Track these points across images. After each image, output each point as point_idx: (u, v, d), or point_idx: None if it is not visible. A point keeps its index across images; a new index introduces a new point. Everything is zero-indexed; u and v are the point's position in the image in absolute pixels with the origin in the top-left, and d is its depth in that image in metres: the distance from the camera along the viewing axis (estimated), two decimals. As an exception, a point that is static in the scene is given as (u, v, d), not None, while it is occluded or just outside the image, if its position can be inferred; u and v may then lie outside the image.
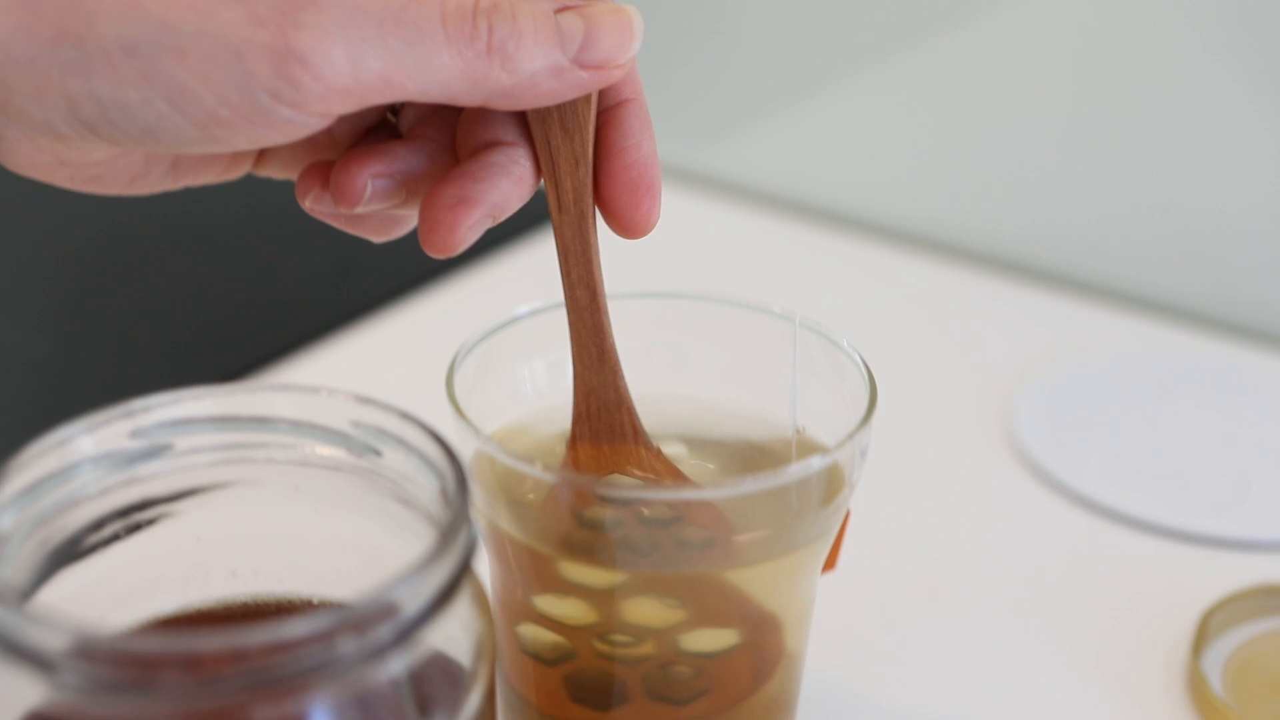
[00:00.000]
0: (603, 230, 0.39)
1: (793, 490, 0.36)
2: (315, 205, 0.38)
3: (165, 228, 0.80)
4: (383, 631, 0.30)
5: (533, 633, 0.39)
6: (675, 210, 0.86)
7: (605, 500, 0.36)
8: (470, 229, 0.37)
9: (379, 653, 0.30)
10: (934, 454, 0.65)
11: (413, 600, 0.30)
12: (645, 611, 0.38)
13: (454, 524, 0.32)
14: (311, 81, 0.32)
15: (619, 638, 0.38)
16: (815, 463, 0.36)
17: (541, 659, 0.40)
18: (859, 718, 0.50)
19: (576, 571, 0.38)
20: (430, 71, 0.34)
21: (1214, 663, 0.51)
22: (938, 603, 0.55)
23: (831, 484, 0.38)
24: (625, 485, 0.39)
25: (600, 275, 0.39)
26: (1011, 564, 0.58)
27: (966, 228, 0.83)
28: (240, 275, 0.80)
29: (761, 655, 0.40)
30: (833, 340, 0.41)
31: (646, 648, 0.38)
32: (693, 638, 0.38)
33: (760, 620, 0.39)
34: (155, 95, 0.32)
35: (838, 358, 0.41)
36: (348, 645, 0.29)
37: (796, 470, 0.36)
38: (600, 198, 0.38)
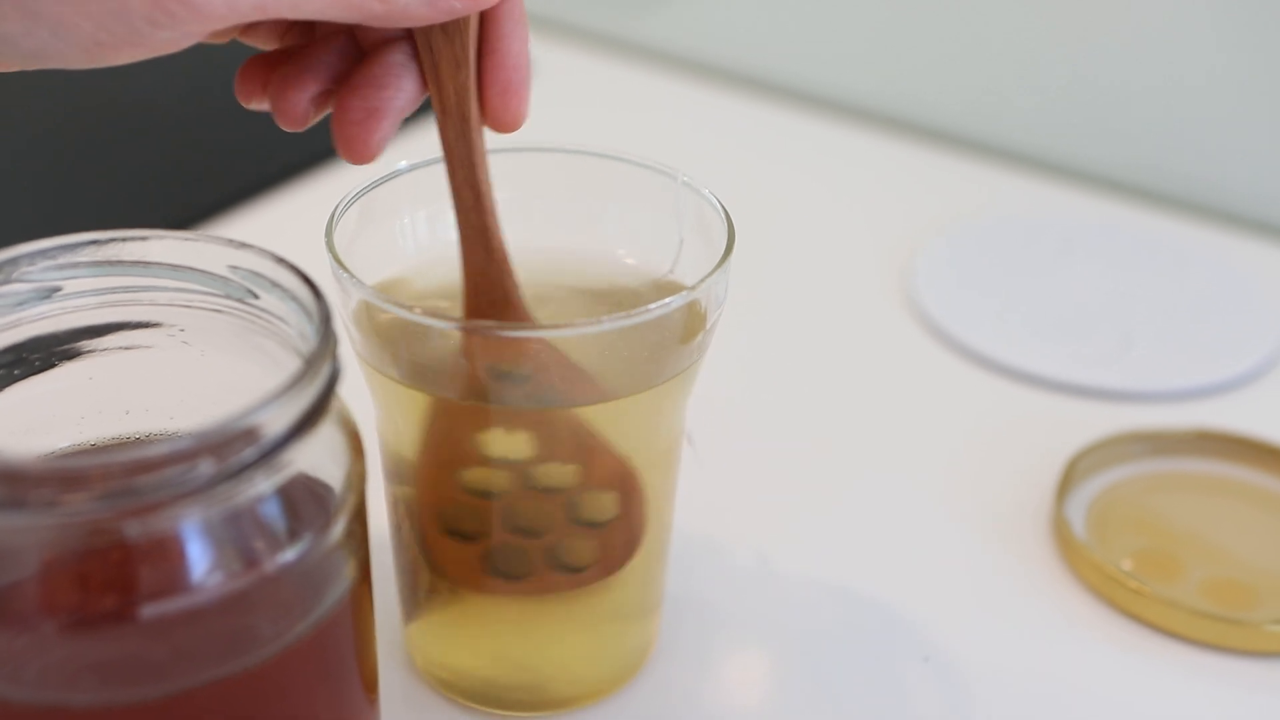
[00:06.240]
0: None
1: (652, 326, 0.39)
2: (260, 107, 0.40)
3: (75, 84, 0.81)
4: (246, 453, 0.32)
5: (452, 510, 0.42)
6: (603, 75, 0.87)
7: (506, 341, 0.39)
8: (382, 138, 0.38)
9: (241, 473, 0.32)
10: (833, 311, 0.68)
11: (274, 424, 0.32)
12: (552, 472, 0.41)
13: (316, 355, 0.34)
14: (186, 13, 0.34)
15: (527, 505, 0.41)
16: (673, 301, 0.38)
17: (460, 535, 0.42)
18: (741, 559, 0.53)
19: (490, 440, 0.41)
20: (305, 3, 0.35)
21: (1078, 506, 0.54)
22: (826, 452, 0.58)
23: (691, 322, 0.40)
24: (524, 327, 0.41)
25: (485, 176, 0.40)
26: (901, 415, 0.61)
27: (867, 90, 0.85)
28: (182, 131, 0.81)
29: (635, 524, 0.43)
30: (701, 194, 0.43)
31: (554, 511, 0.41)
32: (589, 499, 0.42)
33: (634, 485, 0.42)
34: (37, 27, 0.33)
35: (706, 210, 0.43)
36: (208, 466, 0.31)
37: (655, 308, 0.38)
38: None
